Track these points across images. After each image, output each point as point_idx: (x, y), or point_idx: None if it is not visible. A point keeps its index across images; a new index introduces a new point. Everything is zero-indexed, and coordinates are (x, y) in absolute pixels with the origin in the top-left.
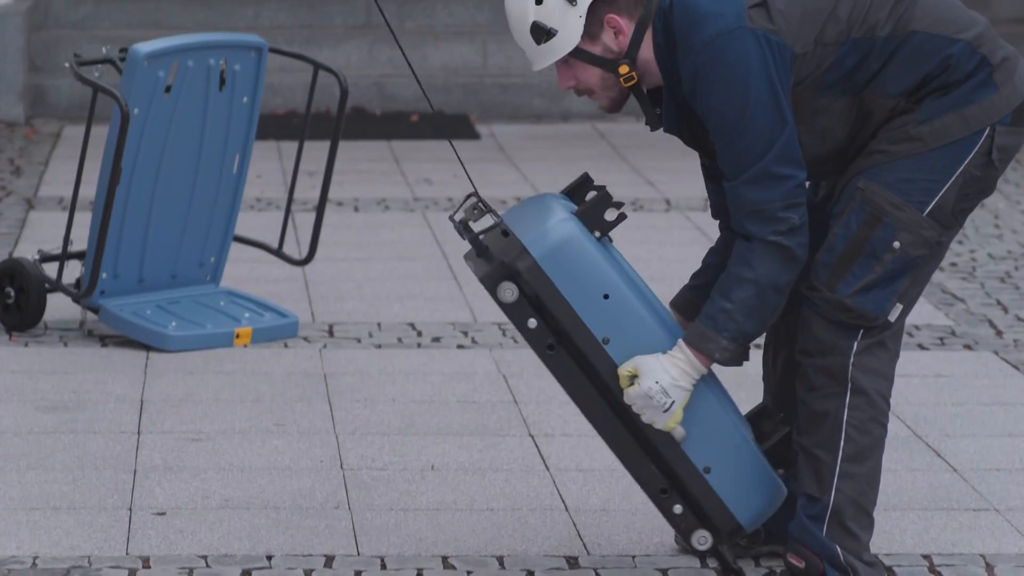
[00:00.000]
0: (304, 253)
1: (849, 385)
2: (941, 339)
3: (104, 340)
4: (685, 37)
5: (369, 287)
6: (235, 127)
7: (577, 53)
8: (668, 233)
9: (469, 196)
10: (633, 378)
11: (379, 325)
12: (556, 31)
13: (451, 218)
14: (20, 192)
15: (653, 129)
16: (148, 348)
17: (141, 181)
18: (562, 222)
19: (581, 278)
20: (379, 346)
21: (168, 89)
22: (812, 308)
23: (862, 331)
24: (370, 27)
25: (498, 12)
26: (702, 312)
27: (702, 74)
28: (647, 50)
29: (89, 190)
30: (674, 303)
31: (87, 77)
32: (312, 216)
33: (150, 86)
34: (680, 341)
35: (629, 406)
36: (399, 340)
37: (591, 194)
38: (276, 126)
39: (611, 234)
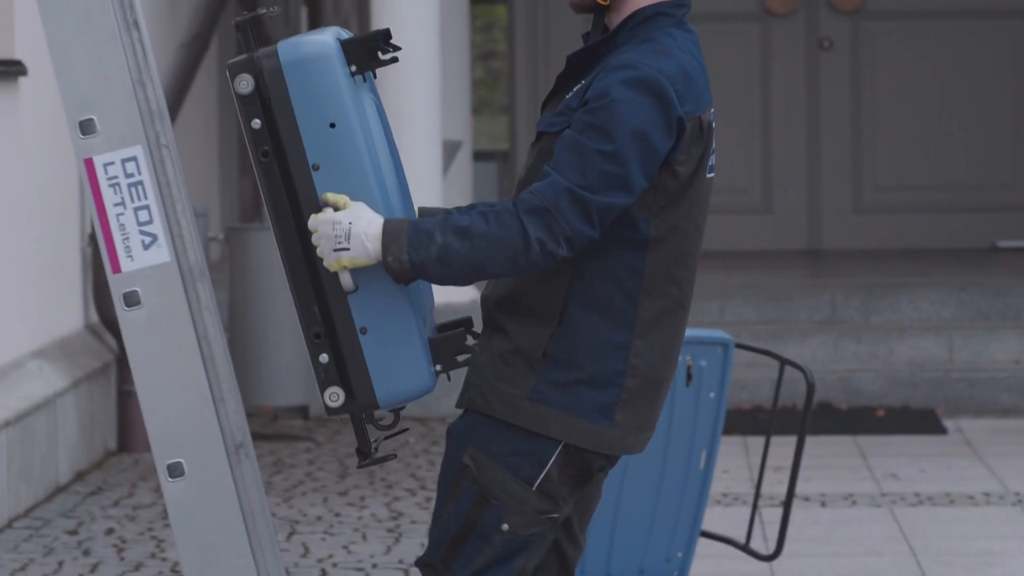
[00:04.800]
0: (771, 548)
1: None
2: None
3: None
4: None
5: None
6: (702, 422)
7: None
8: None
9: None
10: (335, 209)
11: None
12: None
13: (236, 21)
14: None
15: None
16: None
17: (608, 477)
18: (321, 41)
19: (315, 98)
20: None
21: None
22: None
23: None
24: (835, 322)
25: (964, 307)
26: (423, 219)
27: (614, 77)
28: (636, 3)
29: None
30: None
31: None
32: (779, 511)
33: None
34: (383, 221)
35: (313, 233)
36: None
37: None
38: (742, 421)
39: None
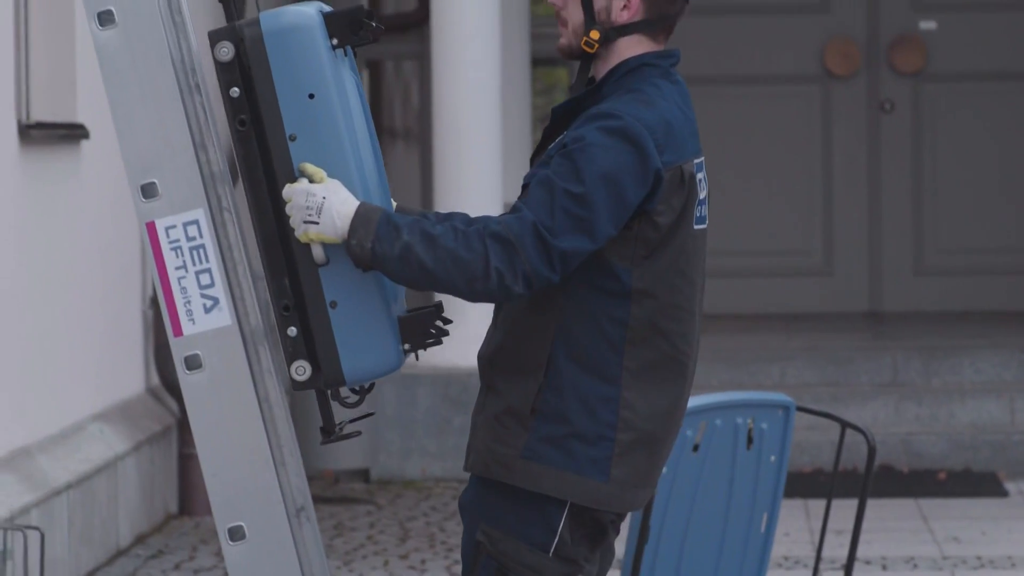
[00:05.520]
0: None
1: None
2: None
3: None
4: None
5: None
6: (763, 485)
7: None
8: None
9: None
10: (310, 180)
11: None
12: None
13: None
14: None
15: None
16: None
17: (669, 539)
18: (304, 11)
19: (295, 68)
20: None
21: (696, 448)
22: None
23: None
24: (896, 384)
25: None
26: (398, 213)
27: (593, 123)
28: (624, 48)
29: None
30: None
31: None
32: (840, 575)
33: (678, 445)
34: (359, 204)
35: (286, 202)
36: None
37: None
38: (803, 484)
39: None
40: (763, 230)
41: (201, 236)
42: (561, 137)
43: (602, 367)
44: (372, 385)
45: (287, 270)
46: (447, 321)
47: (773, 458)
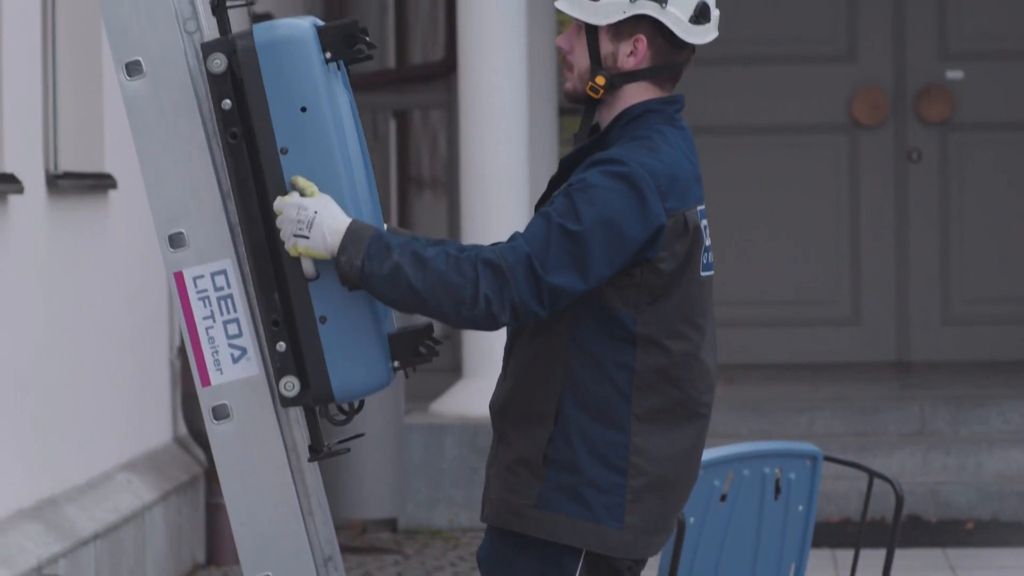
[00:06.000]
0: None
1: None
2: None
3: None
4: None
5: None
6: (791, 535)
7: (590, 32)
8: None
9: None
10: (301, 194)
11: None
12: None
13: (212, 3)
14: None
15: (575, 143)
16: None
17: None
18: (297, 25)
19: (287, 80)
20: None
21: (723, 498)
22: None
23: None
24: (924, 434)
25: None
26: (389, 233)
27: (597, 167)
28: (630, 95)
29: None
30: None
31: None
32: None
33: (706, 494)
34: (350, 221)
35: (277, 215)
36: None
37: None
38: (831, 534)
39: None
40: (791, 280)
41: (229, 286)
42: (566, 184)
43: (610, 414)
44: (362, 403)
45: (277, 284)
46: (437, 341)
47: (801, 508)
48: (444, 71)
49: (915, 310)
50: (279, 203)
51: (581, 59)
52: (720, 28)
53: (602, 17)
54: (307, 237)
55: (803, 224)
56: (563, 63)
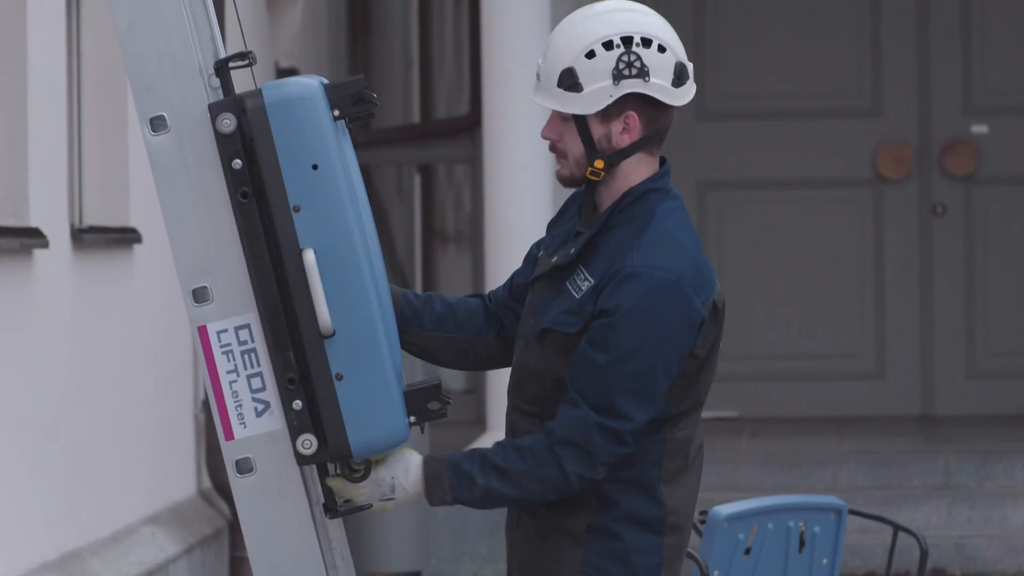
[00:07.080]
0: None
1: None
2: None
3: None
4: (634, 241)
5: None
6: None
7: (580, 122)
8: None
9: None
10: (375, 464)
11: None
12: (581, 90)
13: (215, 63)
14: None
15: (580, 226)
16: None
17: None
18: (306, 83)
19: (298, 138)
20: None
21: (748, 551)
22: None
23: None
24: (949, 488)
25: None
26: (459, 458)
27: (628, 288)
28: (628, 170)
29: None
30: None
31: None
32: None
33: (730, 548)
34: (422, 460)
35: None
36: None
37: None
38: None
39: None
40: (815, 333)
41: (252, 340)
42: (589, 288)
43: (645, 482)
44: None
45: (291, 343)
46: (447, 400)
47: (825, 561)
48: (469, 126)
49: (940, 364)
50: (355, 491)
51: (574, 146)
52: (744, 83)
53: (589, 106)
54: (393, 499)
55: (828, 278)
56: (553, 151)
